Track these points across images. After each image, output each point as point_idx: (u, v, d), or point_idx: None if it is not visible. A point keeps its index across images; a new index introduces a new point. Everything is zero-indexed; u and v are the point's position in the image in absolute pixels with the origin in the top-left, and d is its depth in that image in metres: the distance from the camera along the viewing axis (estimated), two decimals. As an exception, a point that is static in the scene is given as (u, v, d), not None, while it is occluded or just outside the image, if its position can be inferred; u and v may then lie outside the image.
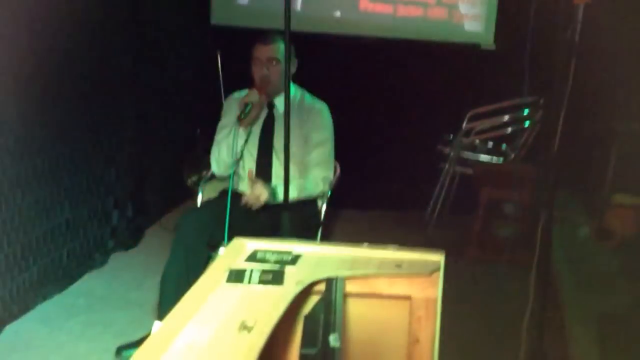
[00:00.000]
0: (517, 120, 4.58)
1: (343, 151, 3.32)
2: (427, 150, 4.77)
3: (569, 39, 3.13)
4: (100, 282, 3.68)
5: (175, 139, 4.86)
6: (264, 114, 3.16)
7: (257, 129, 3.16)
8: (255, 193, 2.97)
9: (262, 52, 3.06)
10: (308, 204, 3.14)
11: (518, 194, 3.99)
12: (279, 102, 3.13)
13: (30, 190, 3.23)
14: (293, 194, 2.82)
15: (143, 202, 4.37)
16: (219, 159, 3.13)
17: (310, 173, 3.11)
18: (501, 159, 4.65)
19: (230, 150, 3.05)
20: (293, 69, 3.04)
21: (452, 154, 4.64)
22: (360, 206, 4.83)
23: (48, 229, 3.40)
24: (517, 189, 3.99)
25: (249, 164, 3.15)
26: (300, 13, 5.03)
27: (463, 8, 5.06)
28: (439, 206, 4.63)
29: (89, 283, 3.65)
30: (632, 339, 2.75)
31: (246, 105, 2.96)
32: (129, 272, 3.83)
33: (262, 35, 3.10)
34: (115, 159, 4.00)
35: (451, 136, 4.73)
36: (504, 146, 4.72)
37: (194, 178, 4.65)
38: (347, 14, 5.13)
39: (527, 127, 4.55)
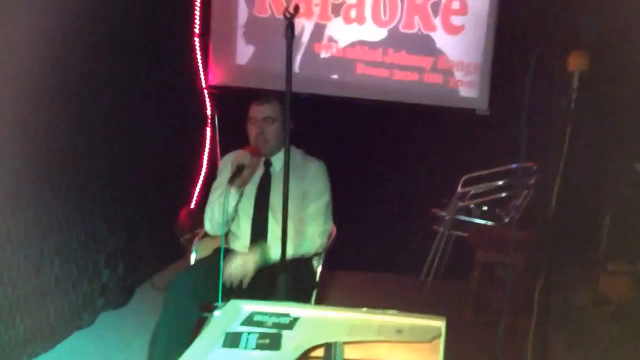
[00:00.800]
0: (511, 185, 4.60)
1: (337, 213, 3.30)
2: (422, 213, 4.77)
3: (564, 106, 3.17)
4: (87, 342, 3.59)
5: (168, 196, 4.84)
6: (260, 173, 3.15)
7: (252, 188, 3.15)
8: (237, 265, 2.90)
9: (257, 111, 3.09)
10: (303, 264, 3.10)
11: (513, 258, 3.97)
12: (276, 160, 3.14)
13: (20, 245, 3.18)
14: (289, 252, 2.76)
15: (134, 259, 4.32)
16: (212, 218, 3.11)
17: (308, 228, 3.08)
18: (495, 222, 4.65)
19: (222, 211, 3.00)
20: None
21: (447, 217, 4.64)
22: (354, 268, 4.79)
23: (37, 286, 3.33)
24: (511, 253, 3.97)
25: (245, 222, 3.13)
26: (297, 74, 5.09)
27: (458, 74, 5.13)
28: (434, 269, 4.60)
29: (76, 343, 3.56)
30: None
31: (238, 167, 2.94)
32: (118, 332, 3.74)
33: (257, 96, 3.14)
34: (107, 215, 3.97)
35: (446, 199, 4.74)
36: (498, 210, 4.73)
37: (187, 236, 4.61)
38: (344, 77, 5.19)
39: (521, 192, 4.56)
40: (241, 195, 3.06)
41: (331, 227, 3.21)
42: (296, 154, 3.18)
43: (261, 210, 3.12)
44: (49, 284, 3.44)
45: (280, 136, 3.08)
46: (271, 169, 3.16)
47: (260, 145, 3.06)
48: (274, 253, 2.97)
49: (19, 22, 3.04)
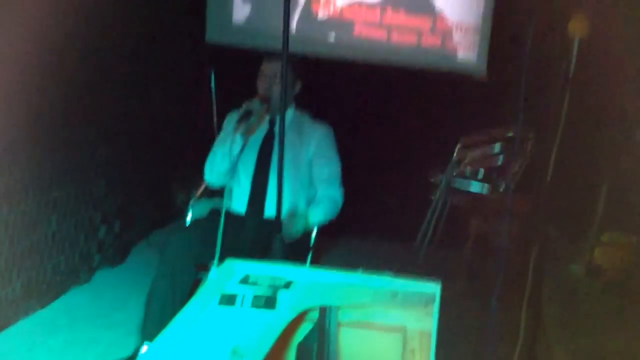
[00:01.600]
0: (508, 151, 4.58)
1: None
2: (417, 179, 4.76)
3: (563, 72, 3.15)
4: (84, 299, 3.62)
5: (166, 156, 4.83)
6: (264, 129, 3.15)
7: (255, 145, 3.14)
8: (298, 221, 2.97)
9: (267, 68, 3.10)
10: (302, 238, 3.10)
11: (508, 227, 3.98)
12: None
13: (18, 202, 3.18)
14: (319, 218, 3.00)
15: (131, 218, 4.33)
16: (213, 166, 3.09)
17: (330, 191, 3.17)
18: (491, 189, 4.64)
19: (225, 157, 3.02)
20: (296, 90, 3.16)
21: (442, 184, 4.63)
22: (348, 234, 4.80)
23: (34, 242, 3.35)
24: (506, 222, 3.98)
25: (245, 181, 3.13)
26: (294, 35, 5.03)
27: (456, 36, 5.09)
28: (428, 237, 4.61)
29: (73, 300, 3.59)
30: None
31: (246, 111, 2.92)
32: (114, 290, 3.77)
33: (270, 53, 3.13)
34: (104, 173, 3.96)
35: (441, 167, 4.72)
36: (494, 178, 4.71)
37: (183, 197, 4.61)
38: (341, 38, 5.15)
39: (517, 160, 4.55)
40: (244, 145, 3.05)
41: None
42: (303, 115, 3.22)
43: (262, 169, 3.11)
44: (45, 241, 3.45)
45: (289, 92, 3.09)
46: (275, 129, 3.13)
47: (269, 99, 3.05)
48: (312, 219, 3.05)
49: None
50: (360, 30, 5.14)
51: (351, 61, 5.10)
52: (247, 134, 3.04)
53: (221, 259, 2.43)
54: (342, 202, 3.23)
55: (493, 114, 4.72)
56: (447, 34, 5.08)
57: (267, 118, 3.14)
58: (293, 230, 2.93)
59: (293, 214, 2.98)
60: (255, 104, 2.95)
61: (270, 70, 3.08)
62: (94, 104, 3.79)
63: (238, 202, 3.14)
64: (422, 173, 4.76)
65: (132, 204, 4.35)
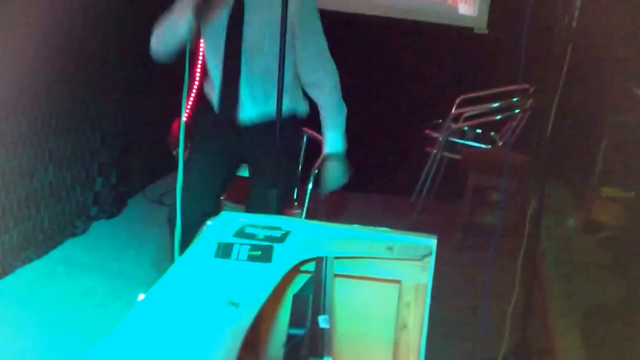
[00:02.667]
0: (507, 108, 4.56)
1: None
2: (416, 134, 4.74)
3: (565, 26, 3.10)
4: (81, 249, 3.64)
5: (162, 108, 4.78)
6: (230, 3, 2.59)
7: (221, 25, 2.59)
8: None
9: None
10: (291, 126, 2.71)
11: (506, 182, 3.98)
12: None
13: (14, 152, 3.17)
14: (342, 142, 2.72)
15: (127, 170, 4.31)
16: (163, 32, 2.52)
17: (321, 71, 2.73)
18: (489, 145, 4.63)
19: (174, 35, 2.44)
20: None
21: (440, 138, 4.61)
22: (344, 188, 4.79)
23: (30, 192, 3.34)
24: (504, 176, 3.98)
25: (214, 67, 2.66)
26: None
27: (458, -10, 5.02)
28: (425, 191, 4.61)
29: (70, 250, 3.60)
30: (617, 331, 2.75)
31: None
32: (111, 241, 3.78)
33: None
34: (100, 124, 3.93)
35: (440, 121, 4.70)
36: (492, 133, 4.70)
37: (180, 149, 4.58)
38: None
39: (517, 115, 4.53)
40: (205, 21, 2.54)
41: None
42: None
43: (233, 51, 2.61)
44: (42, 191, 3.44)
45: None
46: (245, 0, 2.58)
47: None
48: (332, 145, 2.73)
49: None
50: (360, -17, 5.06)
51: (350, 14, 5.02)
52: (206, 9, 2.51)
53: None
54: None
55: (494, 69, 4.67)
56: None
57: None
58: (336, 180, 2.71)
59: (327, 157, 2.67)
60: None
61: None
62: (91, 55, 3.74)
63: (211, 94, 2.71)
64: (421, 128, 4.74)
65: (129, 155, 4.33)
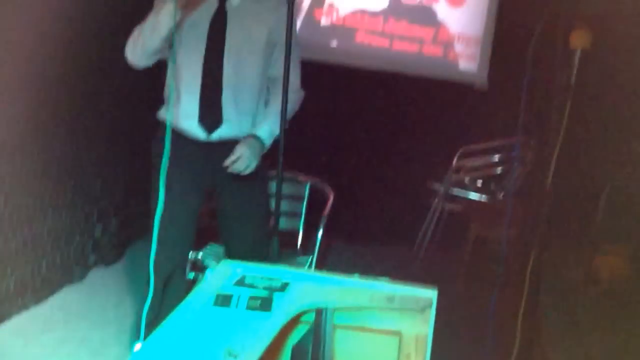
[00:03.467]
0: (508, 160, 4.59)
1: (333, 182, 3.29)
2: (417, 186, 4.76)
3: (564, 83, 3.15)
4: (78, 296, 3.60)
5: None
6: (212, 6, 2.54)
7: (202, 28, 2.53)
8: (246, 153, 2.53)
9: None
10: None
11: (507, 233, 3.97)
12: None
13: (14, 196, 3.17)
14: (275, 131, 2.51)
15: (128, 216, 4.30)
16: (138, 39, 2.46)
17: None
18: (490, 197, 4.65)
19: (155, 32, 2.38)
20: None
21: (441, 190, 4.64)
22: (348, 238, 4.80)
23: (29, 238, 3.33)
24: (505, 228, 3.98)
25: (193, 76, 2.56)
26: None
27: (458, 47, 5.09)
28: (426, 242, 4.61)
29: (67, 297, 3.57)
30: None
31: None
32: (109, 289, 3.75)
33: None
34: (102, 170, 3.94)
35: (441, 172, 4.73)
36: (493, 185, 4.72)
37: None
38: (343, 45, 5.14)
39: (517, 167, 4.55)
40: (183, 22, 2.45)
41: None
42: None
43: (214, 59, 2.55)
44: (41, 237, 3.43)
45: None
46: (227, 4, 2.56)
47: None
48: (266, 131, 2.59)
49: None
50: (363, 38, 5.14)
51: (353, 67, 5.10)
52: (189, 6, 2.42)
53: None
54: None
55: (494, 123, 4.71)
56: (448, 44, 5.09)
57: None
58: (244, 162, 2.54)
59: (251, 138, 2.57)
60: None
61: None
62: (93, 102, 3.78)
63: (185, 114, 2.59)
64: (422, 180, 4.77)
65: (129, 201, 4.33)
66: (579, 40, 2.91)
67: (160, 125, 2.63)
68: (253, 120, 2.65)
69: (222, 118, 2.59)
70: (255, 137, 2.59)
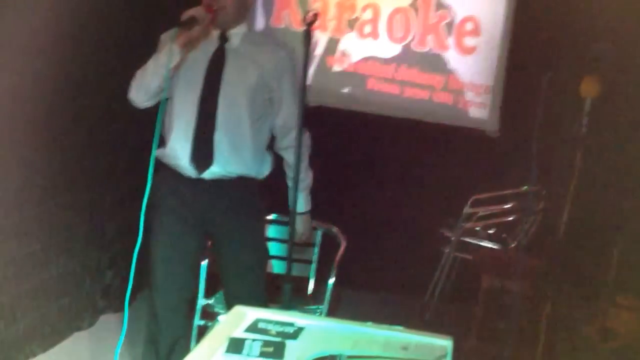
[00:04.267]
0: (520, 209, 4.57)
1: (343, 230, 3.27)
2: (429, 233, 4.74)
3: (575, 132, 3.16)
4: (86, 344, 3.57)
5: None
6: (212, 47, 2.63)
7: (200, 68, 2.60)
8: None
9: None
10: (254, 187, 2.77)
11: (519, 284, 3.92)
12: (234, 35, 2.64)
13: (27, 240, 3.17)
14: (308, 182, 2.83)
15: (139, 262, 4.27)
16: (141, 80, 2.56)
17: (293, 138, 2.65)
18: (502, 246, 4.61)
19: (157, 72, 2.48)
20: (249, 3, 2.69)
21: (453, 238, 4.61)
22: (357, 287, 4.75)
23: (39, 283, 3.32)
24: (518, 279, 3.93)
25: (188, 113, 2.60)
26: (309, 86, 5.08)
27: (469, 95, 5.13)
28: (438, 291, 4.56)
29: (75, 344, 3.53)
30: None
31: (190, 17, 2.43)
32: (118, 336, 3.70)
33: None
34: (113, 215, 3.94)
35: (452, 220, 4.70)
36: (504, 234, 4.69)
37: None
38: (355, 91, 5.19)
39: (529, 217, 4.53)
40: (183, 62, 2.54)
41: None
42: (256, 35, 2.81)
43: (209, 98, 2.59)
44: (51, 282, 3.42)
45: (239, 5, 2.61)
46: (227, 45, 2.63)
47: (214, 7, 2.52)
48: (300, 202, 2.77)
49: None
50: (374, 85, 5.20)
51: (364, 113, 5.13)
52: (187, 47, 2.51)
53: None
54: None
55: (505, 170, 4.71)
56: (459, 92, 5.12)
57: (216, 34, 2.64)
58: (303, 234, 2.89)
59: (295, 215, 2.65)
60: (199, 11, 2.47)
61: None
62: (105, 144, 3.80)
63: (177, 150, 2.64)
64: (433, 227, 4.74)
65: (141, 248, 4.31)
66: (589, 88, 2.93)
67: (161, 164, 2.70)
68: (245, 161, 2.67)
69: (213, 157, 2.61)
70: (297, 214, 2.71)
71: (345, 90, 5.22)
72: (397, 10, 5.06)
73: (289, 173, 2.79)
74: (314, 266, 3.28)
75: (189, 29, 2.43)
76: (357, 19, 5.11)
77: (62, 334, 3.52)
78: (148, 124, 4.24)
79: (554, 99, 3.13)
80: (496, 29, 4.95)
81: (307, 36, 2.29)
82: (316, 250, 3.26)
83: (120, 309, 4.03)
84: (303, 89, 2.36)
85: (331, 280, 3.10)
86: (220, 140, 2.60)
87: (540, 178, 3.71)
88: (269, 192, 2.86)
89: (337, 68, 5.20)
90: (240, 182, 2.68)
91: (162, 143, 2.67)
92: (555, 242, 3.09)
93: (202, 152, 2.60)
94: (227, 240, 2.78)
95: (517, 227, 4.60)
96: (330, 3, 5.12)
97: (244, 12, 2.66)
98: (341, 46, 5.15)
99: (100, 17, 3.53)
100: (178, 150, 2.63)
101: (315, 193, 2.91)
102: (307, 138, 2.76)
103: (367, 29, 5.12)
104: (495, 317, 4.03)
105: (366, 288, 4.81)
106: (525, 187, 4.44)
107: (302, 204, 2.83)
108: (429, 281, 4.63)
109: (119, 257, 4.04)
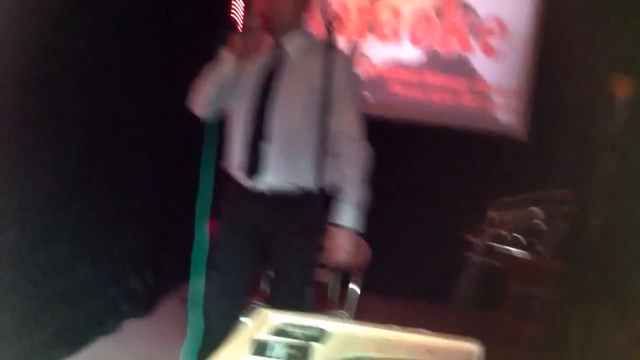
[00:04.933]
0: (548, 214, 4.49)
1: (369, 236, 3.23)
2: (454, 238, 4.67)
3: (608, 134, 3.08)
4: (111, 349, 3.57)
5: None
6: (267, 55, 2.60)
7: (256, 76, 2.57)
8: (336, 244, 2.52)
9: None
10: (308, 199, 2.60)
11: (547, 290, 3.85)
12: (288, 43, 2.59)
13: (53, 246, 3.19)
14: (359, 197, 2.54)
15: (162, 268, 4.29)
16: (199, 90, 2.56)
17: (348, 147, 2.58)
18: (529, 252, 4.53)
19: (212, 81, 2.50)
20: (304, 9, 2.59)
21: (479, 243, 4.54)
22: (382, 293, 4.69)
23: (66, 287, 3.34)
24: (546, 285, 3.86)
25: (243, 123, 2.58)
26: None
27: (495, 98, 5.07)
28: (463, 297, 4.49)
29: (100, 349, 3.54)
30: None
31: (245, 27, 2.44)
32: (142, 342, 3.71)
33: None
34: (137, 221, 3.96)
35: (478, 225, 4.64)
36: (531, 239, 4.61)
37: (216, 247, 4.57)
38: (378, 96, 5.16)
39: (558, 221, 4.45)
40: (239, 70, 2.51)
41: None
42: (314, 41, 2.61)
43: (264, 108, 2.55)
44: (77, 287, 3.44)
45: (294, 10, 2.54)
46: (282, 53, 2.60)
47: (269, 15, 2.48)
48: (349, 214, 2.54)
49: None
50: (398, 90, 5.16)
51: (388, 119, 5.10)
52: (242, 55, 2.48)
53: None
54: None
55: (533, 174, 4.64)
56: (485, 95, 5.06)
57: (271, 42, 2.61)
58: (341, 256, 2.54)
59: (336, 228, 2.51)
60: (254, 20, 2.45)
61: None
62: (129, 152, 3.81)
63: (235, 161, 2.62)
64: (459, 232, 4.67)
65: (164, 253, 4.32)
66: (623, 89, 2.86)
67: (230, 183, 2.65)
68: (301, 171, 2.59)
69: (265, 167, 2.57)
70: (339, 227, 2.54)
71: (368, 95, 5.18)
72: (419, 13, 5.02)
73: (340, 182, 2.61)
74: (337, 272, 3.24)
75: (243, 36, 2.42)
76: (379, 21, 5.08)
77: (87, 339, 3.53)
78: (174, 132, 4.29)
79: (585, 100, 3.06)
80: (522, 29, 4.87)
81: (330, 36, 2.25)
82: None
83: (145, 314, 4.04)
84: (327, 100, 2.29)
85: (355, 286, 3.05)
86: (275, 149, 2.55)
87: (570, 181, 3.63)
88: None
89: (359, 73, 5.17)
90: (300, 196, 2.60)
91: (224, 153, 2.66)
92: (583, 245, 3.02)
93: (256, 162, 2.57)
94: (280, 255, 2.69)
95: (546, 233, 4.52)
96: (351, 7, 5.09)
97: (299, 18, 2.59)
98: (362, 50, 5.12)
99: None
100: (234, 159, 2.62)
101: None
102: (363, 148, 2.65)
103: (389, 32, 5.08)
104: (524, 323, 3.96)
105: (390, 294, 4.76)
106: (554, 190, 4.37)
107: (349, 218, 2.55)
108: (454, 287, 4.57)
109: (143, 263, 4.05)
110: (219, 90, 2.50)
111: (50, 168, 3.13)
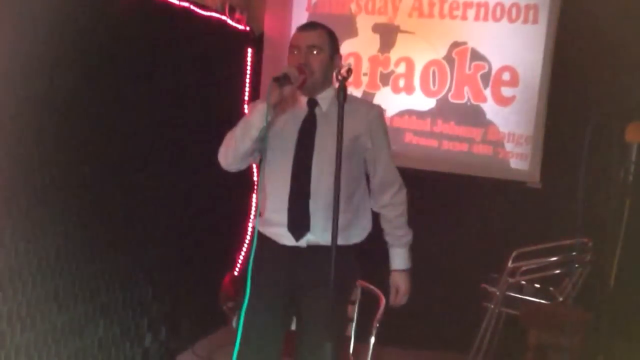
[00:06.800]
0: (566, 262, 4.43)
1: (383, 286, 3.19)
2: (471, 289, 4.61)
3: (622, 179, 3.05)
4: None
5: (212, 262, 4.80)
6: (301, 112, 2.62)
7: (291, 133, 2.59)
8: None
9: (301, 39, 2.56)
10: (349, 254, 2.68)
11: (569, 339, 3.78)
12: (322, 100, 2.62)
13: (67, 306, 3.17)
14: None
15: (177, 325, 4.26)
16: (230, 143, 2.53)
17: (395, 195, 2.82)
18: (549, 301, 4.46)
19: (247, 134, 2.44)
20: (336, 65, 2.58)
21: (497, 293, 4.48)
22: (400, 343, 4.62)
23: (80, 348, 3.30)
24: (567, 334, 3.78)
25: (282, 181, 2.58)
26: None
27: (508, 146, 5.06)
28: (483, 349, 4.41)
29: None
30: None
31: (284, 74, 2.38)
32: (157, 400, 3.66)
33: (303, 24, 2.69)
34: (151, 278, 3.94)
35: (496, 275, 4.58)
36: (551, 288, 4.54)
37: (231, 304, 4.54)
38: (392, 146, 5.16)
39: (577, 269, 4.39)
40: (274, 124, 2.53)
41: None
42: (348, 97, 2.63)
43: (302, 164, 2.57)
44: (92, 347, 3.41)
45: (327, 70, 2.58)
46: (317, 110, 2.62)
47: (304, 73, 2.50)
48: (400, 258, 2.84)
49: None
50: (411, 138, 5.17)
51: (402, 168, 5.09)
52: (279, 108, 2.49)
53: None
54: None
55: (549, 222, 4.60)
56: (498, 143, 5.06)
57: (304, 100, 2.63)
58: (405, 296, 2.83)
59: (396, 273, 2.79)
60: (292, 70, 2.43)
61: (305, 41, 2.54)
62: (142, 208, 3.82)
63: (273, 220, 2.60)
64: (476, 282, 4.61)
65: (179, 310, 4.29)
66: (636, 133, 2.84)
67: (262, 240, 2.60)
68: (342, 226, 2.49)
69: (309, 225, 2.57)
70: (398, 271, 2.82)
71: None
72: (431, 63, 5.06)
73: (387, 229, 2.81)
74: (354, 324, 3.18)
75: (281, 86, 2.38)
76: (391, 73, 5.13)
77: (103, 400, 3.48)
78: (186, 187, 4.30)
79: (599, 146, 3.04)
80: (534, 78, 4.88)
81: (342, 91, 2.25)
82: (356, 307, 3.16)
83: (159, 372, 3.99)
84: (339, 151, 2.26)
85: (372, 339, 3.00)
86: (316, 207, 2.56)
87: (587, 229, 3.58)
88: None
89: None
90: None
91: (259, 212, 2.65)
92: (604, 294, 2.97)
93: (298, 221, 2.57)
94: (312, 301, 2.62)
95: (565, 281, 4.46)
96: (364, 57, 5.15)
97: (330, 76, 2.63)
98: (376, 101, 5.15)
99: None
100: (275, 219, 2.61)
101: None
102: (405, 193, 2.87)
103: (401, 83, 5.12)
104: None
105: (408, 345, 4.69)
106: (572, 239, 4.31)
107: (404, 260, 2.83)
108: (473, 338, 4.49)
109: (157, 320, 4.02)
110: (251, 144, 2.47)
111: (61, 228, 3.14)
